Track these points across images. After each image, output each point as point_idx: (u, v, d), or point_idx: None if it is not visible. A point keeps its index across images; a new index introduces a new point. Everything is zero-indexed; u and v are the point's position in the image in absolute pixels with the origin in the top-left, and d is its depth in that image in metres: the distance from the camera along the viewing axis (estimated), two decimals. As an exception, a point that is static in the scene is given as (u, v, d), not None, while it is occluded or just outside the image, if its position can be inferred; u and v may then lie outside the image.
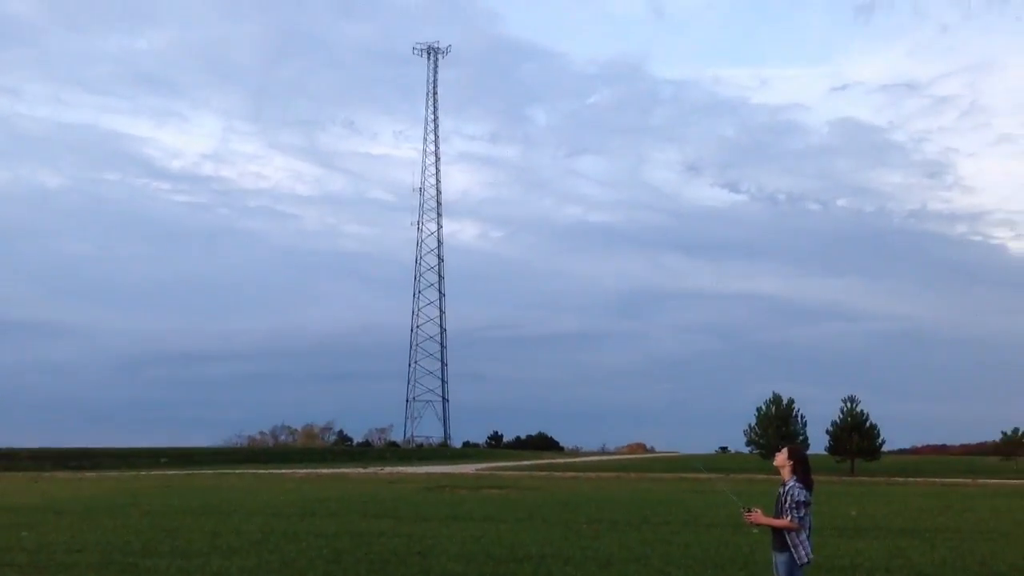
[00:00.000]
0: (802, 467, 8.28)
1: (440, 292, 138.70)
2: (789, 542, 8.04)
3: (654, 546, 16.30)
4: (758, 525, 8.33)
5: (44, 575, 12.60)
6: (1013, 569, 13.60)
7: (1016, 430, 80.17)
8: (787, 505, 8.04)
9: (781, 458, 8.42)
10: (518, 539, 17.23)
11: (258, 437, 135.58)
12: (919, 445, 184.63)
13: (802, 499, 8.00)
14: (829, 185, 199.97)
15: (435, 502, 28.34)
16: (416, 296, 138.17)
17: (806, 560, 7.99)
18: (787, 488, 8.14)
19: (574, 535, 18.12)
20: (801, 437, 78.80)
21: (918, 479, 55.09)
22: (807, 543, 8.02)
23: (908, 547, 16.56)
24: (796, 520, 7.97)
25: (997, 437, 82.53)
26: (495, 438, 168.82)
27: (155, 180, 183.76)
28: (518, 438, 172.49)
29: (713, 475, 12.94)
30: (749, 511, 8.29)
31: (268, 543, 16.43)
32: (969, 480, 54.21)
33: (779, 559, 8.15)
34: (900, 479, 55.19)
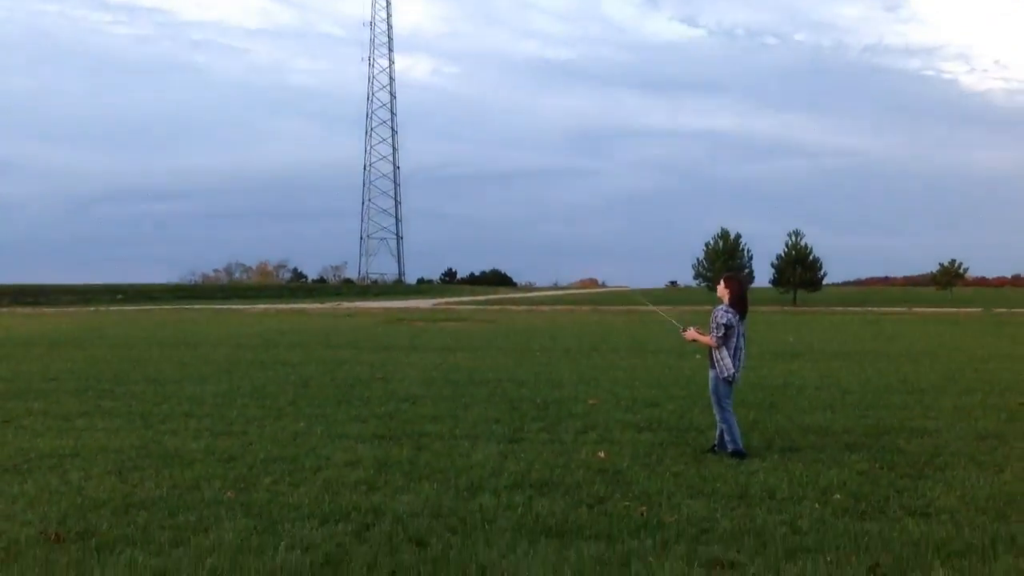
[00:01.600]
0: (735, 295, 9.13)
1: (393, 129, 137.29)
2: (714, 358, 9.02)
3: (603, 370, 17.38)
4: (694, 342, 9.29)
5: (25, 400, 13.25)
6: (930, 386, 14.84)
7: (952, 261, 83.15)
8: (712, 325, 8.97)
9: (720, 287, 9.29)
10: (475, 366, 18.22)
11: (212, 275, 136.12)
12: (864, 277, 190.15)
13: (723, 321, 8.91)
14: (787, 18, 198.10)
15: (394, 334, 29.35)
16: (368, 134, 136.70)
17: (726, 374, 8.94)
18: (715, 310, 9.06)
19: (528, 362, 19.16)
20: (747, 270, 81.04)
21: (856, 308, 57.38)
22: (729, 360, 8.95)
23: (838, 368, 17.84)
24: (715, 338, 8.90)
25: (936, 269, 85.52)
26: (449, 274, 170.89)
27: (95, 11, 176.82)
28: (472, 274, 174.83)
29: (654, 306, 13.84)
30: (685, 329, 9.31)
31: (237, 371, 17.24)
32: (905, 309, 56.62)
33: (710, 374, 9.13)
34: (840, 309, 57.47)
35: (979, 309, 55.88)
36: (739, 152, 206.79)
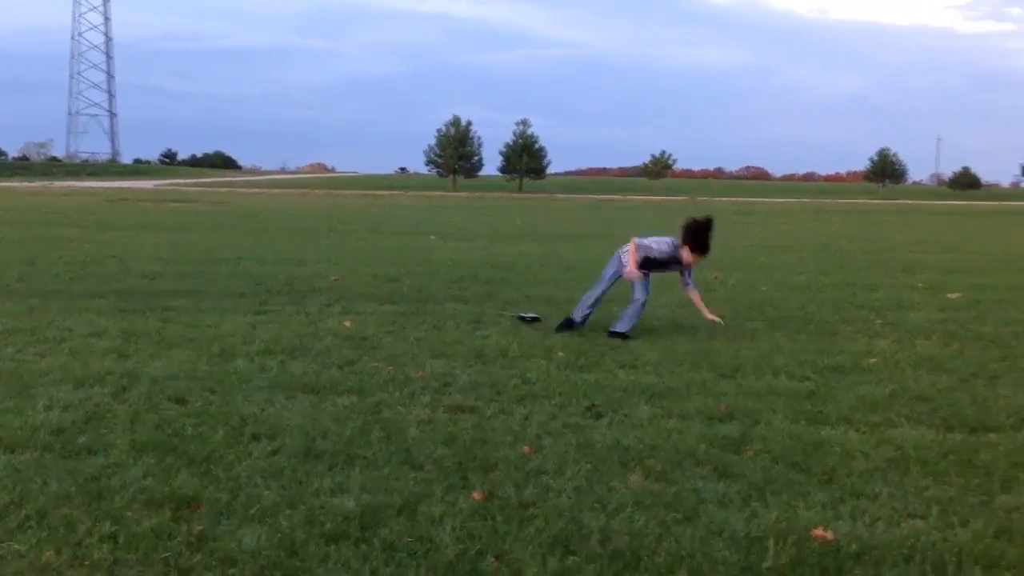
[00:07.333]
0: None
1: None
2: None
3: (342, 249, 17.78)
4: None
5: None
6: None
7: (663, 153, 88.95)
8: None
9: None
10: (212, 245, 18.07)
11: None
12: (584, 168, 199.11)
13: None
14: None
15: (120, 213, 28.16)
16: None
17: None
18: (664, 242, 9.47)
19: (266, 242, 19.21)
20: (476, 158, 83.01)
21: (577, 196, 60.49)
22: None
23: (561, 248, 19.22)
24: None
25: (648, 160, 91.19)
26: (169, 155, 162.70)
27: None
28: (194, 156, 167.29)
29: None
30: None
31: (-52, 249, 16.19)
32: (620, 197, 60.33)
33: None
34: (562, 196, 60.35)
35: (685, 197, 60.50)
36: (474, 40, 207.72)
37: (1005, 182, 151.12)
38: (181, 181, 77.09)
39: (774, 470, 5.13)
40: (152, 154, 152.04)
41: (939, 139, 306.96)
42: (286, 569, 3.82)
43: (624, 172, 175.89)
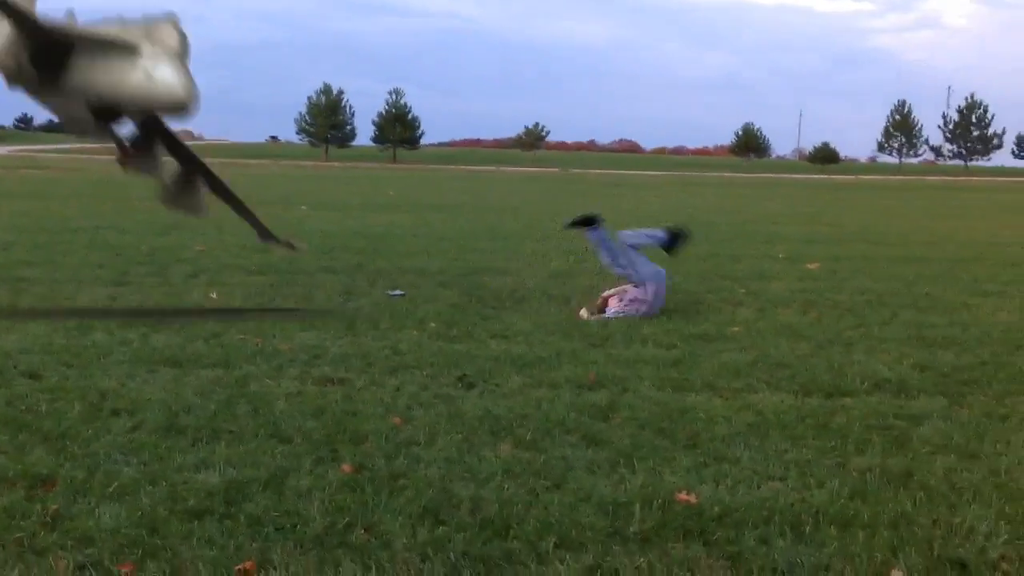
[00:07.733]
0: None
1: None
2: None
3: (208, 219, 17.20)
4: None
5: None
6: (513, 233, 16.50)
7: (536, 125, 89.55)
8: None
9: None
10: (69, 214, 17.33)
11: None
12: (458, 139, 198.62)
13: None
14: None
15: (-34, 180, 26.70)
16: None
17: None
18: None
19: (128, 210, 18.49)
20: (349, 127, 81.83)
21: (451, 167, 60.37)
22: None
23: (434, 218, 19.15)
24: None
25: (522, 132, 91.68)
26: (24, 120, 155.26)
27: None
28: (51, 121, 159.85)
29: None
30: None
31: None
32: (494, 168, 60.48)
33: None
34: (435, 166, 60.13)
35: (558, 169, 61.05)
36: (350, 8, 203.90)
37: (862, 157, 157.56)
38: (38, 147, 73.61)
39: (641, 436, 5.24)
40: (6, 118, 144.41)
41: (801, 114, 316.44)
42: (147, 547, 3.71)
43: (498, 144, 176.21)
